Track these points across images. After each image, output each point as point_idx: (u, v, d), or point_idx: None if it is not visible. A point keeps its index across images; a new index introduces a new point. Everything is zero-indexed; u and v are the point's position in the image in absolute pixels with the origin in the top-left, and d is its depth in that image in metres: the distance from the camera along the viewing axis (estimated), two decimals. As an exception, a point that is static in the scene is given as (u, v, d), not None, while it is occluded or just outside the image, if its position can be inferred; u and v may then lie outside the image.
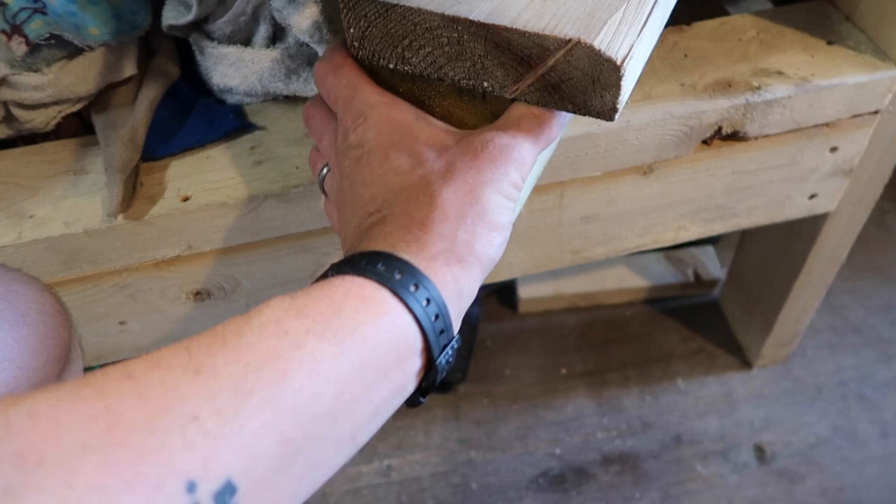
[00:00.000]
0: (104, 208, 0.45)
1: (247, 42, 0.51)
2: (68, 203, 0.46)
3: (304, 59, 0.50)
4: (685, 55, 0.52)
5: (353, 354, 0.24)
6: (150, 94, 0.50)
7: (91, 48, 0.48)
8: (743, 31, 0.54)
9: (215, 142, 0.49)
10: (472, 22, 0.32)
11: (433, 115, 0.38)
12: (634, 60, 0.32)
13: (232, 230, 0.47)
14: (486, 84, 0.35)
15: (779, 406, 0.80)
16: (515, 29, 0.32)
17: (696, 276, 0.87)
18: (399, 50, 0.36)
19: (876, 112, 0.52)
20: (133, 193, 0.46)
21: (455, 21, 0.33)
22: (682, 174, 0.53)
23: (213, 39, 0.51)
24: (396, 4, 0.34)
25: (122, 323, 0.52)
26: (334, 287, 0.26)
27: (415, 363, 0.27)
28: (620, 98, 0.32)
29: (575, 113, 0.34)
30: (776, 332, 0.76)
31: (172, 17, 0.50)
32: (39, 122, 0.50)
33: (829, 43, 0.52)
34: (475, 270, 0.31)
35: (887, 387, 0.81)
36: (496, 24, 0.32)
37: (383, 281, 0.27)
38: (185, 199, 0.46)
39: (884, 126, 0.54)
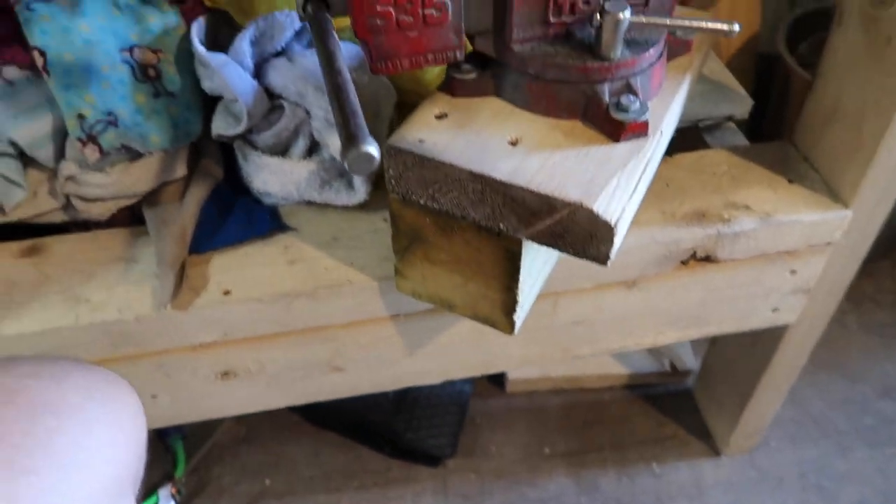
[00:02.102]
0: (154, 297, 0.51)
1: (285, 151, 0.58)
2: (121, 290, 0.52)
3: (337, 171, 0.57)
4: (667, 185, 0.60)
5: None
6: (197, 194, 0.56)
7: (151, 153, 0.55)
8: (717, 164, 0.62)
9: (253, 240, 0.56)
10: (494, 179, 0.40)
11: (453, 242, 0.45)
12: (625, 219, 0.39)
13: (264, 321, 0.53)
14: (502, 225, 0.41)
15: (744, 494, 0.85)
16: (530, 189, 0.39)
17: (672, 366, 0.94)
18: (430, 191, 0.43)
19: (829, 243, 0.60)
20: (181, 284, 0.52)
21: (480, 177, 0.40)
22: (662, 288, 0.60)
23: (256, 148, 0.58)
24: (431, 158, 0.41)
25: (153, 396, 0.57)
26: None
27: None
28: (613, 249, 0.39)
29: (575, 256, 0.40)
30: (742, 424, 0.83)
31: (222, 127, 0.57)
32: (96, 213, 0.56)
33: (790, 181, 0.61)
34: None
35: (844, 478, 0.87)
36: (514, 183, 0.39)
37: None
38: (227, 293, 0.52)
39: (836, 255, 0.61)
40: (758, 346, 0.76)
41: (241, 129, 0.56)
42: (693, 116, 0.69)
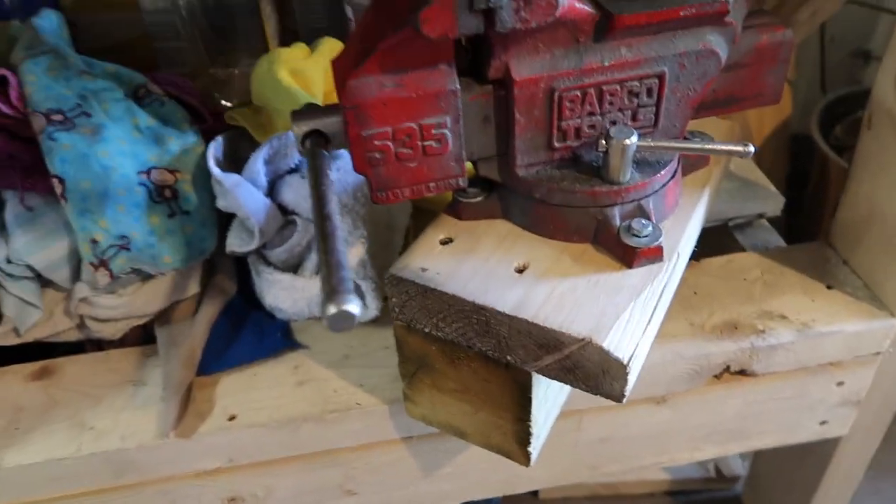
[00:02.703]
0: (158, 423, 0.50)
1: (298, 265, 0.57)
2: (126, 415, 0.51)
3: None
4: (694, 292, 0.57)
5: None
6: (208, 313, 0.56)
7: (163, 274, 0.54)
8: (748, 270, 0.59)
9: (264, 358, 0.54)
10: (498, 312, 0.37)
11: (460, 371, 0.42)
12: (640, 354, 0.37)
13: (271, 446, 0.51)
14: (509, 358, 0.39)
15: None
16: (536, 324, 0.36)
17: (718, 471, 0.88)
18: (434, 320, 0.41)
19: (878, 353, 0.56)
20: (185, 410, 0.51)
21: (484, 309, 0.38)
22: (694, 403, 0.56)
23: (268, 263, 0.57)
24: (434, 288, 0.39)
25: (158, 524, 0.54)
26: None
27: None
28: (628, 387, 0.36)
29: (588, 392, 0.38)
30: (799, 540, 0.76)
31: (236, 244, 0.57)
32: (108, 333, 0.56)
33: (829, 287, 0.57)
34: None
35: None
36: (519, 316, 0.37)
37: None
38: (232, 419, 0.50)
39: (887, 365, 0.57)
40: (809, 456, 0.70)
41: (253, 246, 0.55)
42: (722, 215, 0.66)
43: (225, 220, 0.58)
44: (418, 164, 0.39)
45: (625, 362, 0.35)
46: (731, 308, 0.55)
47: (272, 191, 0.56)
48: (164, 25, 0.68)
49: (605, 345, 0.35)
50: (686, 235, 0.42)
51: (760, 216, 0.67)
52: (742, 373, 0.54)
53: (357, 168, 0.38)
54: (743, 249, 0.67)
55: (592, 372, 0.36)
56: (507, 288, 0.38)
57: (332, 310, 0.27)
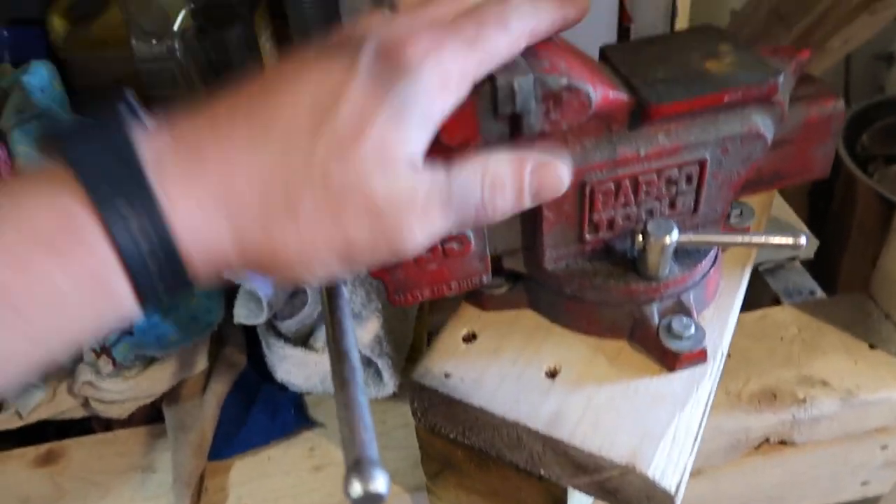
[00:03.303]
0: (169, 519, 0.47)
1: (310, 334, 0.55)
2: (136, 508, 0.48)
3: (363, 363, 0.53)
4: (729, 354, 0.54)
5: None
6: (218, 391, 0.53)
7: (169, 354, 0.52)
8: (785, 326, 0.56)
9: (277, 438, 0.52)
10: (531, 429, 0.35)
11: (489, 475, 0.39)
12: (686, 477, 0.34)
13: (287, 537, 0.49)
14: (542, 472, 0.36)
15: None
16: (573, 445, 0.33)
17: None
18: (460, 428, 0.38)
19: (925, 417, 0.52)
20: (198, 500, 0.48)
21: (515, 424, 0.35)
22: (732, 475, 0.53)
23: (279, 335, 0.54)
24: (460, 400, 0.36)
25: None
26: None
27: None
28: (675, 512, 0.33)
29: (630, 514, 0.35)
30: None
31: (244, 314, 0.54)
32: (115, 413, 0.53)
33: (872, 346, 0.53)
34: None
35: None
36: (554, 436, 0.34)
37: None
38: (246, 512, 0.47)
39: (934, 426, 0.54)
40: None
41: (262, 318, 0.52)
42: (752, 259, 0.63)
43: (232, 287, 0.55)
44: (438, 265, 0.35)
45: (672, 492, 0.32)
46: (769, 373, 0.52)
47: (280, 260, 0.54)
48: (159, 73, 0.64)
49: (650, 473, 0.32)
50: (729, 328, 0.39)
51: (792, 259, 0.64)
52: (782, 443, 0.51)
53: (372, 273, 0.35)
54: (775, 295, 0.64)
55: (635, 497, 0.33)
56: (539, 399, 0.35)
57: (356, 490, 0.24)
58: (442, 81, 0.26)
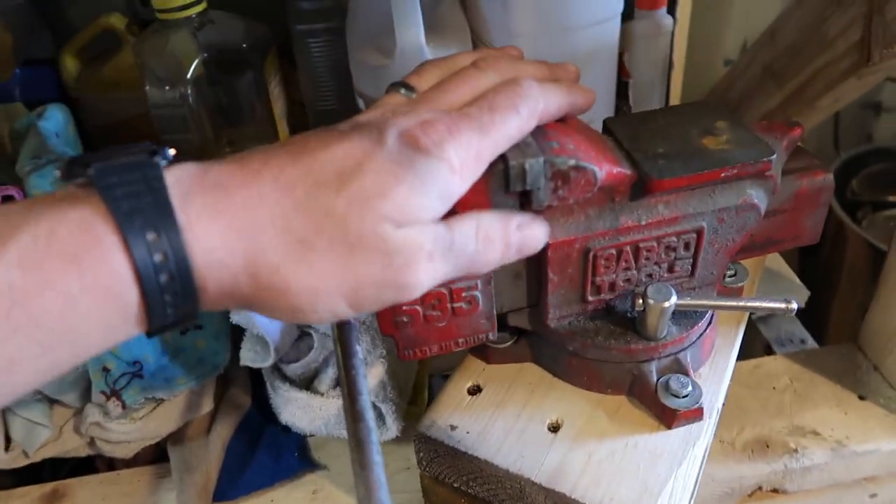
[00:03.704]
0: (173, 562, 0.48)
1: (314, 377, 0.56)
2: (140, 551, 0.49)
3: (367, 405, 0.54)
4: (723, 403, 0.55)
5: None
6: (223, 433, 0.54)
7: (176, 395, 0.53)
8: (777, 377, 0.57)
9: (281, 481, 0.53)
10: (534, 483, 0.36)
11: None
12: (684, 532, 0.35)
13: (290, 581, 0.49)
14: (545, 525, 0.37)
15: None
16: (574, 499, 0.35)
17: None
18: (464, 478, 0.39)
19: (912, 467, 0.54)
20: (202, 544, 0.49)
21: (518, 477, 0.36)
22: (725, 521, 0.54)
23: (285, 378, 0.55)
24: (465, 452, 0.37)
25: None
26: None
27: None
28: (673, 569, 0.34)
29: (629, 567, 0.36)
30: None
31: (250, 357, 0.55)
32: (120, 453, 0.54)
33: (861, 398, 0.55)
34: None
35: None
36: (557, 490, 0.35)
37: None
38: (250, 556, 0.48)
39: (922, 476, 0.55)
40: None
41: (269, 362, 0.54)
42: (745, 307, 0.65)
43: (239, 329, 0.56)
44: (447, 323, 0.37)
45: (671, 553, 0.33)
46: (761, 423, 0.54)
47: (287, 304, 0.55)
48: (171, 118, 0.66)
49: (650, 532, 0.33)
50: (724, 385, 0.40)
51: (784, 307, 0.66)
52: (774, 491, 0.53)
53: (383, 331, 0.37)
54: (767, 343, 0.66)
55: (635, 550, 0.35)
56: (542, 453, 0.37)
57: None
58: (460, 164, 0.28)
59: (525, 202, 0.32)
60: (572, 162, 0.31)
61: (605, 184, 0.34)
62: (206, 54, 0.64)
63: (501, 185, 0.31)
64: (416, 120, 0.28)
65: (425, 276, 0.28)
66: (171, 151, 0.27)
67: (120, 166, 0.25)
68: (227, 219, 0.25)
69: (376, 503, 0.27)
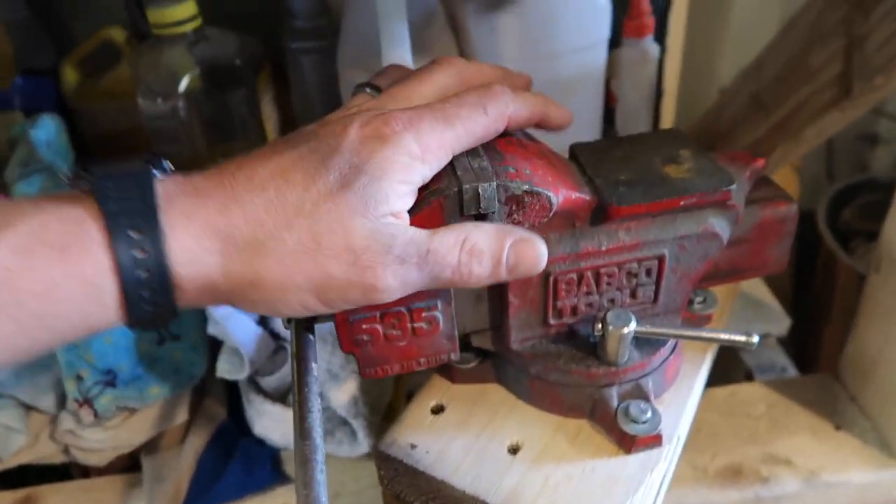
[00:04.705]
0: (139, 572, 0.48)
1: (289, 390, 0.56)
2: (107, 559, 0.49)
3: (339, 421, 0.54)
4: (697, 429, 0.55)
5: None
6: (196, 444, 0.54)
7: (149, 405, 0.53)
8: (753, 404, 0.57)
9: (252, 494, 0.53)
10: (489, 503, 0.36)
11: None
12: (636, 560, 0.35)
13: None
14: (500, 547, 0.37)
15: None
16: (529, 524, 0.35)
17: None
18: (423, 497, 0.39)
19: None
20: (168, 554, 0.49)
21: (475, 499, 0.36)
22: (696, 550, 0.54)
23: (259, 390, 0.56)
24: (423, 471, 0.38)
25: None
26: None
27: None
28: None
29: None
30: None
31: (226, 369, 0.55)
32: (94, 461, 0.55)
33: (837, 428, 0.55)
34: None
35: None
36: (511, 513, 0.35)
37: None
38: (215, 568, 0.48)
39: (896, 511, 0.54)
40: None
41: (243, 375, 0.54)
42: (726, 334, 0.65)
43: (217, 341, 0.57)
44: (408, 343, 0.37)
45: (621, 576, 0.33)
46: (734, 449, 0.54)
47: (264, 318, 0.55)
48: (163, 130, 0.67)
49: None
50: (686, 414, 0.40)
51: (766, 335, 0.66)
52: (746, 521, 0.52)
53: (344, 348, 0.37)
54: (748, 370, 0.66)
55: (586, 576, 0.35)
56: (500, 474, 0.37)
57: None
58: (420, 149, 0.29)
59: (481, 225, 0.33)
60: (526, 187, 0.32)
61: (564, 209, 0.34)
62: (199, 68, 0.65)
63: (456, 209, 0.31)
64: (378, 112, 0.30)
65: (393, 279, 0.29)
66: (169, 164, 0.29)
67: (118, 175, 0.27)
68: (204, 219, 0.27)
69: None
